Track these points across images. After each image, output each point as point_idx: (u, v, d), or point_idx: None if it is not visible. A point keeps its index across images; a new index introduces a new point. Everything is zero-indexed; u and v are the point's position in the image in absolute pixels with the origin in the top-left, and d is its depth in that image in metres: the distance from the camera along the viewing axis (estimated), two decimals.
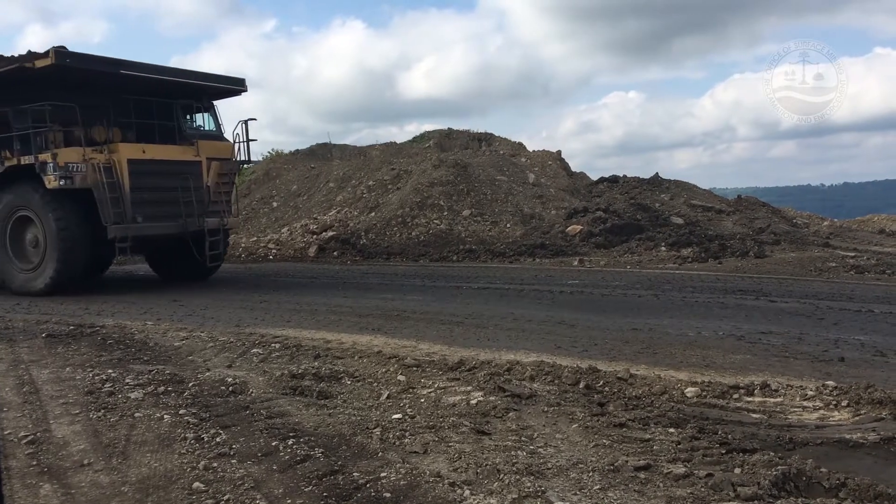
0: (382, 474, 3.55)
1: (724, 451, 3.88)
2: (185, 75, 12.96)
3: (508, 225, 19.13)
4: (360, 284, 12.79)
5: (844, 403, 4.76)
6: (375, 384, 5.36)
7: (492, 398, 4.88)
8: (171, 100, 13.08)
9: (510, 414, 4.55)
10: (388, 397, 4.98)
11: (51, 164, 11.16)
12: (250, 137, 13.54)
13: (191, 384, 5.26)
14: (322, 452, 3.85)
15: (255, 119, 14.74)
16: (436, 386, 5.27)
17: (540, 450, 3.94)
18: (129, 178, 11.68)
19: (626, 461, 3.71)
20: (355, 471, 3.60)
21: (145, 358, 6.29)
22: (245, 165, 14.45)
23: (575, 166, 26.13)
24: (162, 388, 5.11)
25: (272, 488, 3.44)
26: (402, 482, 3.46)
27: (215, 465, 3.70)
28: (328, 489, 3.40)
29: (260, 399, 4.92)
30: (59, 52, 10.94)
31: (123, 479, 3.57)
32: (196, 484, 3.47)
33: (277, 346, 6.70)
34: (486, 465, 3.67)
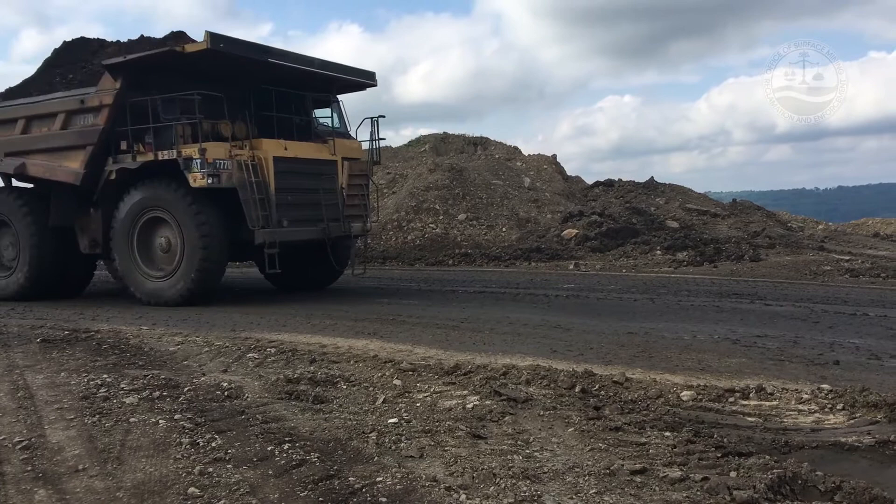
0: (378, 479, 3.54)
1: (719, 455, 3.89)
2: (325, 66, 11.66)
3: (504, 229, 19.15)
4: (355, 288, 12.79)
5: (840, 406, 4.77)
6: (371, 388, 5.35)
7: (488, 402, 4.88)
8: (305, 92, 11.94)
9: (506, 418, 4.55)
10: (383, 402, 4.97)
11: (197, 160, 9.94)
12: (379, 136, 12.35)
13: (186, 389, 5.24)
14: (318, 457, 3.84)
15: (383, 116, 12.59)
16: (432, 390, 5.27)
17: (536, 454, 3.94)
18: (275, 178, 10.52)
19: (622, 465, 3.71)
20: (351, 475, 3.59)
21: (140, 363, 6.27)
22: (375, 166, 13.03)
23: (570, 170, 26.19)
24: (157, 393, 5.10)
25: (268, 493, 3.43)
26: (398, 487, 3.46)
27: (210, 470, 3.69)
28: (324, 494, 3.40)
29: (255, 404, 4.91)
30: (215, 35, 9.86)
31: (118, 484, 3.56)
32: (191, 489, 3.46)
33: (273, 350, 6.69)
34: (483, 469, 3.67)
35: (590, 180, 24.46)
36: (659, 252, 16.58)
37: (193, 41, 11.28)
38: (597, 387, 5.24)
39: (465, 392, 5.19)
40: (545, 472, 3.65)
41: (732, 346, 7.06)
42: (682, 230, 18.07)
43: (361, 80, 12.55)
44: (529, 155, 25.78)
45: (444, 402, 4.94)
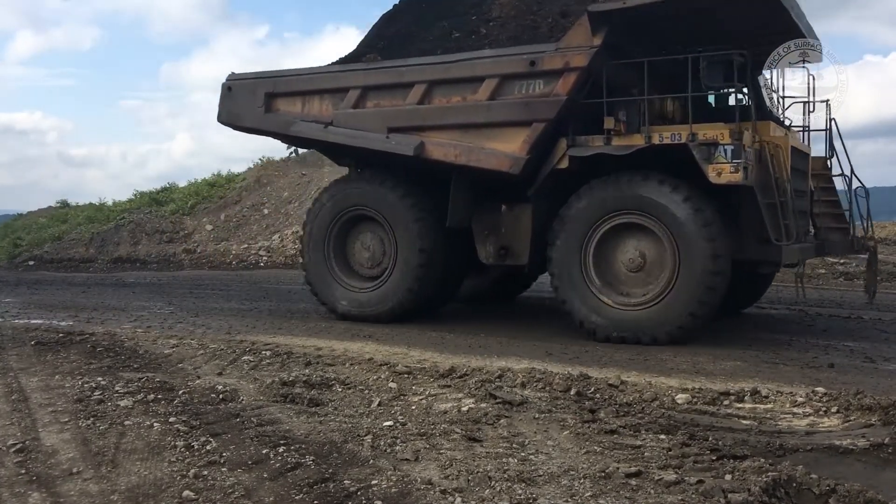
0: (374, 482, 3.54)
1: (714, 458, 3.89)
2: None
3: None
4: None
5: (834, 410, 4.79)
6: (367, 391, 5.35)
7: (483, 405, 4.88)
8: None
9: (501, 421, 4.55)
10: (379, 404, 4.97)
11: (728, 148, 7.15)
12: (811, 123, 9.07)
13: (181, 392, 5.23)
14: (313, 460, 3.84)
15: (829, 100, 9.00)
16: (427, 393, 5.27)
17: (531, 457, 3.94)
18: (789, 175, 7.82)
19: (618, 468, 3.71)
20: (346, 478, 3.59)
21: (135, 366, 6.25)
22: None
23: None
24: (152, 396, 5.08)
25: (263, 497, 3.42)
26: (393, 490, 3.46)
27: (205, 473, 3.68)
28: (319, 497, 3.39)
29: (250, 406, 4.90)
30: None
31: (113, 487, 3.55)
32: (186, 492, 3.45)
33: (268, 353, 6.68)
34: (478, 472, 3.67)
35: None
36: None
37: None
38: (592, 390, 5.24)
39: (461, 395, 5.19)
40: (540, 475, 3.65)
41: (727, 349, 7.07)
42: None
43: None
44: None
45: (440, 405, 4.93)
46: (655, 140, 7.54)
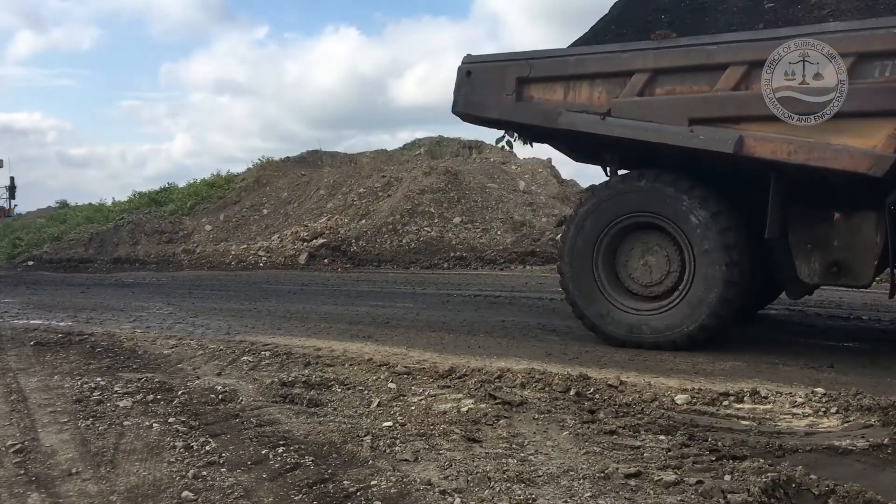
0: (373, 482, 3.54)
1: (714, 458, 3.89)
2: None
3: (499, 232, 19.18)
4: (350, 292, 12.78)
5: (833, 410, 4.79)
6: (366, 392, 5.35)
7: (482, 405, 4.88)
8: None
9: (501, 421, 4.55)
10: (378, 405, 4.97)
11: None
12: None
13: (180, 392, 5.23)
14: (312, 460, 3.83)
15: None
16: (426, 393, 5.27)
17: (531, 457, 3.94)
18: None
19: (617, 468, 3.71)
20: (346, 479, 3.59)
21: (134, 366, 6.25)
22: None
23: (565, 174, 26.25)
24: (151, 397, 5.08)
25: (262, 497, 3.42)
26: (392, 490, 3.45)
27: (204, 473, 3.68)
28: (318, 498, 3.39)
29: (250, 407, 4.89)
30: None
31: (112, 488, 3.55)
32: (185, 493, 3.44)
33: (267, 353, 6.68)
34: (477, 472, 3.67)
35: (585, 184, 24.51)
36: None
37: None
38: (591, 390, 5.25)
39: (460, 395, 5.19)
40: (540, 476, 3.65)
41: (727, 349, 7.07)
42: None
43: None
44: (524, 158, 25.86)
45: (439, 406, 4.93)
46: None
